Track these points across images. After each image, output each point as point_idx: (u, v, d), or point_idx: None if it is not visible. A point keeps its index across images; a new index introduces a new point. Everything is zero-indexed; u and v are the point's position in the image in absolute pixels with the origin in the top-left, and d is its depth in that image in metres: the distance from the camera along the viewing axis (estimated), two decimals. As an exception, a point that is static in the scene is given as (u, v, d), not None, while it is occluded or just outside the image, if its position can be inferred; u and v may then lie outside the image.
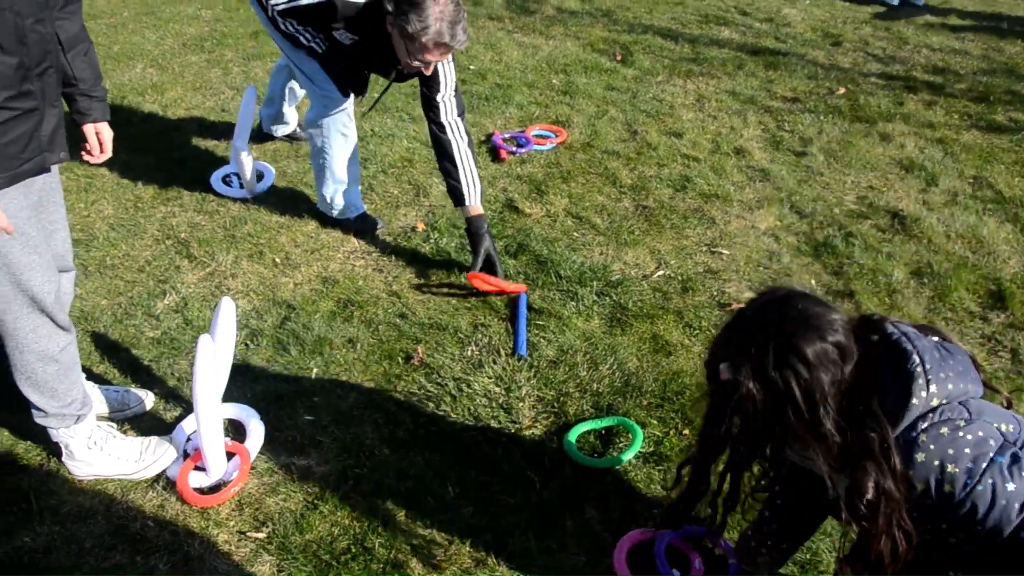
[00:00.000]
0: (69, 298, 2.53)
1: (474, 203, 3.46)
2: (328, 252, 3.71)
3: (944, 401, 1.45)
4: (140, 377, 2.97)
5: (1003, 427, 1.47)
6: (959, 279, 3.53)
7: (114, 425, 2.70)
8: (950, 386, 1.46)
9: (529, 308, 3.29)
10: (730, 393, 1.50)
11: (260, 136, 4.69)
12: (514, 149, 4.55)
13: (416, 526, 2.42)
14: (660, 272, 3.57)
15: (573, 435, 2.68)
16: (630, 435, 2.69)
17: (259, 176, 4.24)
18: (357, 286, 3.47)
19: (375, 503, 2.48)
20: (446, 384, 2.92)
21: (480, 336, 3.16)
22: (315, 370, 2.99)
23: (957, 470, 1.41)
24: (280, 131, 4.67)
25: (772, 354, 1.44)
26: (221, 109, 5.14)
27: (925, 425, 1.44)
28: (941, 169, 4.52)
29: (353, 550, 2.35)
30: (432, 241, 3.76)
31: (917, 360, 1.45)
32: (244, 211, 4.01)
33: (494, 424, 2.75)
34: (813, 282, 3.52)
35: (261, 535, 2.40)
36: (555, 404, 2.85)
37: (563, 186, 4.25)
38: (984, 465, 1.41)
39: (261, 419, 2.74)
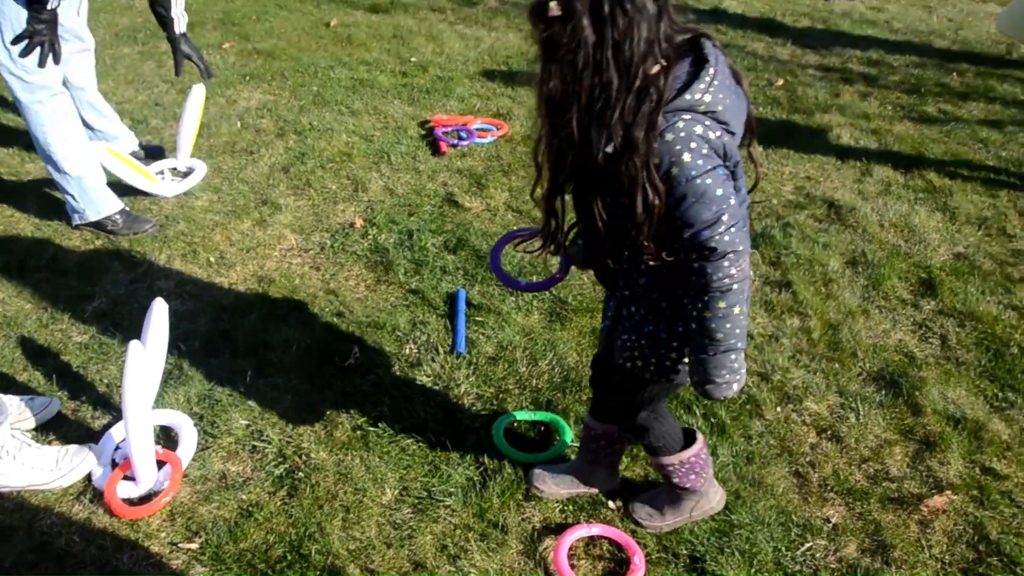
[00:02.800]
0: None
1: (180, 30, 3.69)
2: (264, 250, 3.63)
3: (710, 113, 1.65)
4: (67, 383, 2.87)
5: (729, 161, 1.71)
6: (892, 267, 3.58)
7: (29, 434, 2.61)
8: (720, 107, 1.66)
9: (468, 304, 3.26)
10: (559, 31, 1.57)
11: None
12: (455, 142, 4.51)
13: (354, 530, 2.37)
14: (600, 266, 3.56)
15: (500, 427, 2.68)
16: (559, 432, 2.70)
17: (188, 171, 4.13)
18: (293, 285, 3.40)
19: (312, 508, 2.43)
20: (384, 384, 2.87)
21: (418, 334, 3.11)
22: (250, 372, 2.92)
23: (688, 160, 1.64)
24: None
25: None
26: (155, 103, 5.01)
27: (688, 117, 1.64)
28: (875, 159, 4.58)
29: (289, 557, 2.29)
30: (371, 237, 3.70)
31: (711, 73, 1.65)
32: (177, 209, 3.91)
33: (433, 424, 2.71)
34: (751, 272, 3.54)
35: (194, 546, 2.33)
36: (494, 401, 2.82)
37: (504, 180, 4.22)
38: (709, 168, 1.65)
39: (194, 425, 2.67)
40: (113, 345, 3.04)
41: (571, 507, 2.46)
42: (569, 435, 2.67)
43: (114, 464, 2.55)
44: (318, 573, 2.25)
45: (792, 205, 4.09)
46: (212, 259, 3.56)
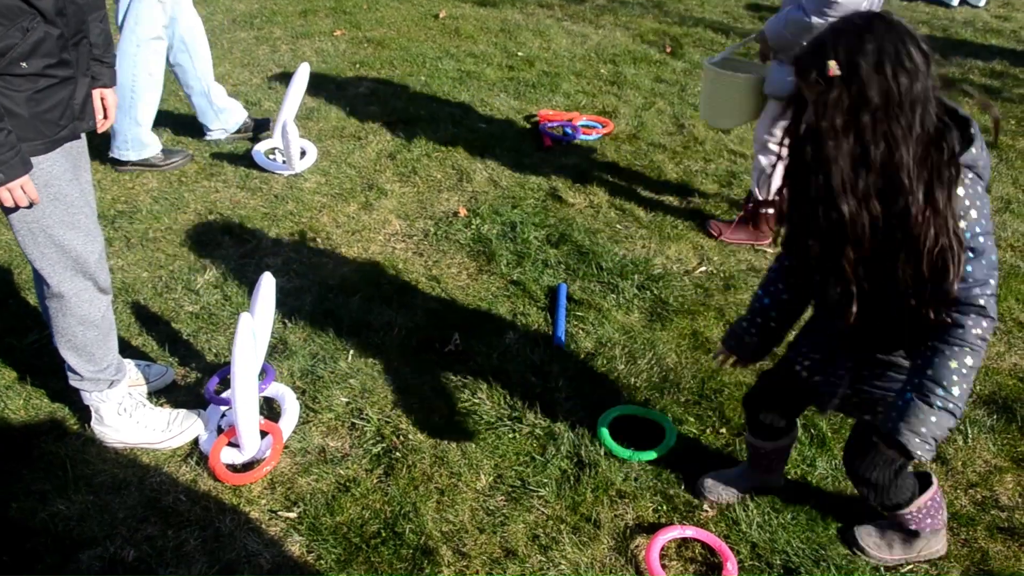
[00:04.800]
0: None
1: None
2: (369, 234, 3.70)
3: (981, 175, 1.67)
4: (178, 351, 2.98)
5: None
6: (1008, 288, 3.44)
7: (144, 394, 2.72)
8: (987, 172, 1.70)
9: (569, 299, 3.26)
10: (841, 91, 1.58)
11: (305, 111, 4.69)
12: (560, 137, 4.51)
13: (448, 513, 2.40)
14: (702, 268, 3.51)
15: (606, 420, 2.68)
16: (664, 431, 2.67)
17: (302, 153, 4.24)
18: (397, 269, 3.45)
19: (407, 488, 2.47)
20: (483, 372, 2.90)
21: (518, 325, 3.13)
22: (352, 352, 2.98)
23: (975, 216, 1.65)
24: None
25: (887, 51, 1.55)
26: (268, 87, 5.15)
27: (971, 175, 1.65)
28: (995, 175, 4.40)
29: (383, 534, 2.33)
30: (474, 227, 3.73)
31: (978, 133, 1.67)
32: (286, 189, 4.02)
33: (529, 415, 2.72)
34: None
35: (292, 515, 2.40)
36: (591, 396, 2.82)
37: (607, 177, 4.20)
38: (990, 229, 1.67)
39: (296, 398, 2.74)
40: (222, 317, 3.14)
41: (665, 507, 2.44)
42: (674, 437, 2.64)
43: (220, 431, 2.63)
44: (411, 552, 2.28)
45: (904, 218, 3.96)
46: (319, 239, 3.65)
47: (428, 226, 3.76)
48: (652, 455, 2.57)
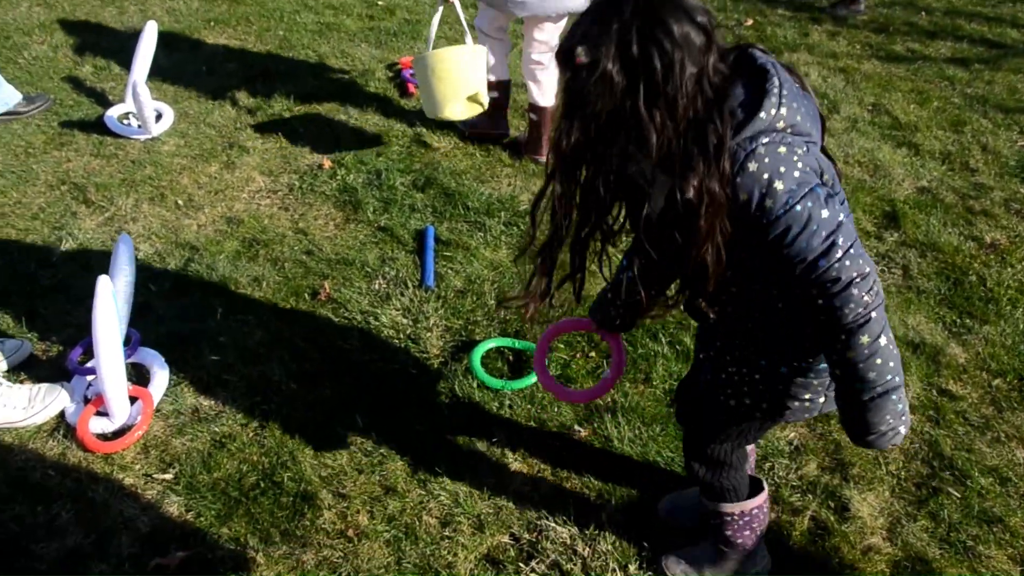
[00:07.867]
0: None
1: None
2: (233, 192, 3.62)
3: (788, 128, 1.44)
4: (36, 326, 2.87)
5: (826, 175, 1.50)
6: (856, 201, 3.63)
7: (1, 372, 2.62)
8: (798, 118, 1.45)
9: (436, 240, 3.28)
10: (586, 79, 1.38)
11: (160, 73, 4.51)
12: (422, 84, 4.48)
13: (325, 458, 2.42)
14: (568, 202, 3.58)
15: (478, 353, 2.73)
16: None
17: (158, 116, 4.09)
18: (263, 225, 3.40)
19: (283, 438, 2.47)
20: (353, 318, 2.90)
21: (387, 269, 3.14)
22: (220, 310, 2.94)
23: (782, 187, 1.41)
24: None
25: (636, 31, 1.34)
26: (117, 49, 4.93)
27: (766, 140, 1.41)
28: (842, 97, 4.61)
29: (262, 485, 2.34)
30: (339, 178, 3.69)
31: (777, 83, 1.43)
32: (144, 153, 3.88)
33: (402, 355, 2.75)
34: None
35: (168, 476, 2.37)
36: (463, 333, 2.86)
37: (472, 120, 4.21)
38: (806, 191, 1.42)
39: (165, 361, 2.69)
40: (82, 288, 3.03)
41: (539, 432, 2.51)
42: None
43: (86, 401, 2.56)
44: (291, 499, 2.30)
45: (759, 142, 4.12)
46: (180, 202, 3.55)
47: (293, 180, 3.70)
48: (524, 383, 2.64)
